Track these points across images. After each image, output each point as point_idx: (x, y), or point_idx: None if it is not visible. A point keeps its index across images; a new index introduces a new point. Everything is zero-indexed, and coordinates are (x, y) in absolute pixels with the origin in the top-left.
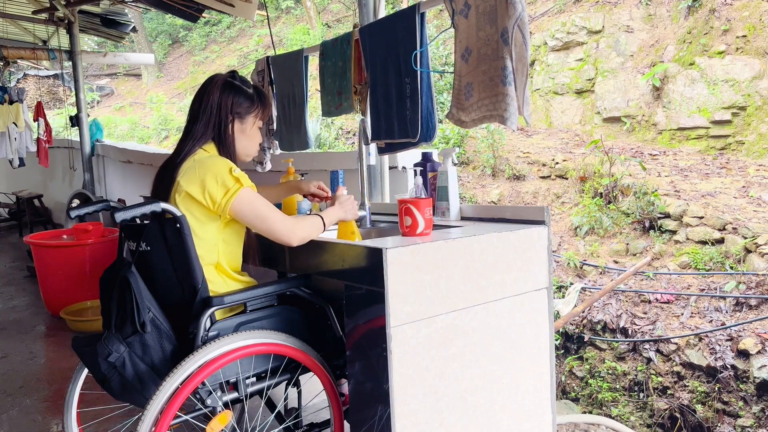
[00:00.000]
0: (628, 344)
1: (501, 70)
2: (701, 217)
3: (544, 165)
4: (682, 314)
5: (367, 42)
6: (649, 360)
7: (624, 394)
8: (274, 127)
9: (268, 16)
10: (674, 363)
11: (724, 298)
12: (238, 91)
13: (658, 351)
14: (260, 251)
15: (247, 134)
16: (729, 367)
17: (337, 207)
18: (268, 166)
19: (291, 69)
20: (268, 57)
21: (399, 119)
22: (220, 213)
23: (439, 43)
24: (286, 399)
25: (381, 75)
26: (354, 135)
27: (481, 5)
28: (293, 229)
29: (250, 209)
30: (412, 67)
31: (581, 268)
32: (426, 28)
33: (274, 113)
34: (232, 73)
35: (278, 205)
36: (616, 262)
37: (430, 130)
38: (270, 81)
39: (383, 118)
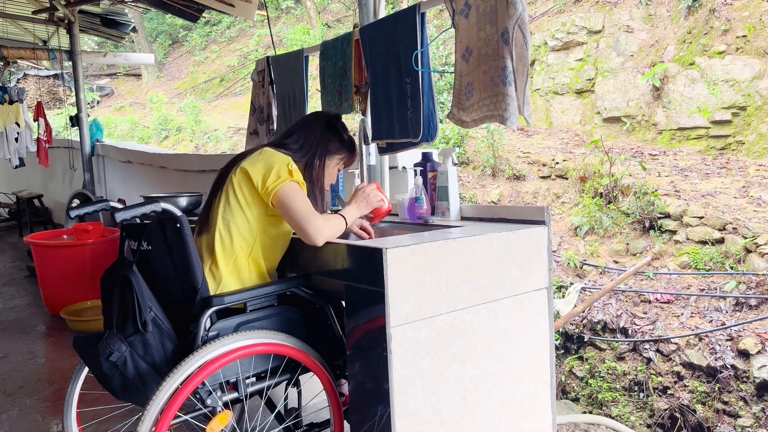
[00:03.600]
0: (628, 344)
1: (501, 70)
2: (701, 217)
3: (544, 165)
4: (682, 314)
5: (368, 42)
6: (649, 360)
7: (624, 394)
8: (275, 127)
9: (268, 16)
10: (674, 363)
11: (724, 298)
12: (336, 133)
13: (658, 351)
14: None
15: (329, 171)
16: (729, 367)
17: (353, 205)
18: None
19: (291, 69)
20: (268, 57)
21: (400, 119)
22: (265, 197)
23: (439, 43)
24: (286, 399)
25: (381, 75)
26: (354, 135)
27: (481, 5)
28: (321, 231)
29: (292, 200)
30: (412, 67)
31: (581, 268)
32: (426, 28)
33: (274, 113)
34: (337, 116)
35: None
36: (616, 262)
37: (432, 130)
38: (270, 81)
39: (384, 118)
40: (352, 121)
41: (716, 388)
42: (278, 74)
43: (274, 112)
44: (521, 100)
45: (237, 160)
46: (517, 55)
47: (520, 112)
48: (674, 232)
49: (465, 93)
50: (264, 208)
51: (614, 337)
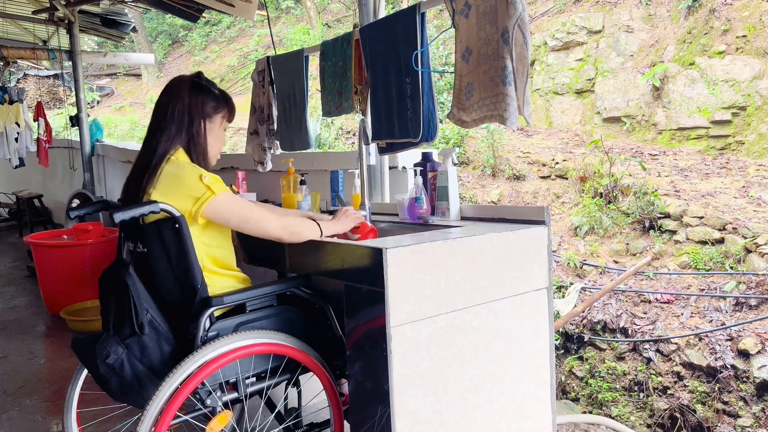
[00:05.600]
0: (628, 344)
1: (501, 70)
2: (701, 217)
3: (544, 165)
4: (682, 314)
5: (368, 42)
6: (649, 360)
7: (624, 394)
8: (275, 127)
9: (268, 15)
10: (674, 363)
11: (724, 298)
12: (206, 91)
13: (658, 351)
14: (244, 249)
15: (215, 135)
16: (729, 367)
17: (333, 221)
18: (269, 166)
19: (291, 69)
20: (268, 57)
21: (400, 119)
22: (192, 218)
23: (439, 43)
24: (286, 399)
25: (381, 75)
26: (354, 135)
27: (481, 5)
28: (282, 224)
29: (229, 214)
30: (412, 67)
31: (581, 268)
32: (426, 28)
33: (275, 113)
34: (199, 74)
35: None
36: (616, 262)
37: (432, 130)
38: (270, 81)
39: (384, 118)
40: (352, 121)
41: (716, 388)
42: (278, 74)
43: (275, 112)
44: (521, 100)
45: (137, 179)
46: (517, 55)
47: (520, 112)
48: (674, 232)
49: (465, 93)
50: (195, 227)
51: (614, 337)
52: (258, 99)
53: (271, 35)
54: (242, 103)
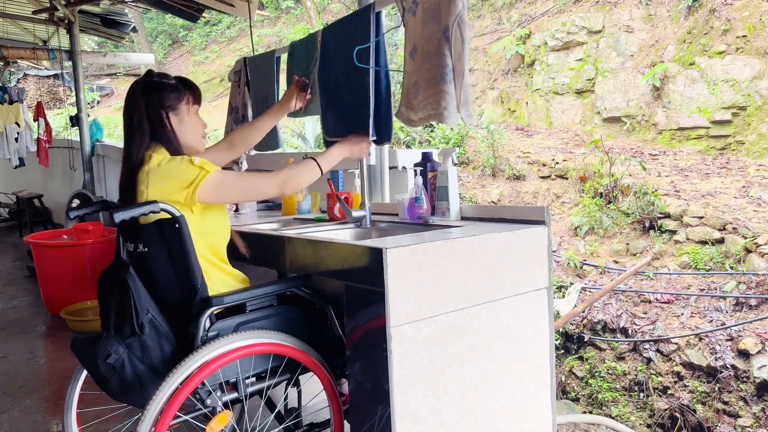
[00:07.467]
0: (628, 344)
1: (442, 67)
2: (701, 217)
3: (544, 165)
4: (682, 314)
5: (329, 42)
6: (649, 360)
7: (624, 394)
8: None
9: (251, 16)
10: (674, 363)
11: (724, 298)
12: (160, 87)
13: (658, 351)
14: (249, 247)
15: (186, 123)
16: (729, 367)
17: (341, 145)
18: (244, 166)
19: (265, 70)
20: (245, 58)
21: (360, 118)
22: (188, 203)
23: None
24: (286, 399)
25: (340, 74)
26: None
27: (427, 2)
28: (277, 181)
29: (226, 188)
30: (368, 66)
31: (581, 268)
32: (382, 27)
33: (250, 113)
34: (149, 73)
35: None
36: (616, 262)
37: (387, 130)
38: (246, 81)
39: (340, 116)
40: None
41: (716, 388)
42: (253, 75)
43: (249, 113)
44: (459, 98)
45: (127, 183)
46: (456, 54)
47: (458, 111)
48: (674, 232)
49: (413, 91)
50: (192, 216)
51: (614, 337)
52: (235, 99)
53: (251, 36)
54: None
